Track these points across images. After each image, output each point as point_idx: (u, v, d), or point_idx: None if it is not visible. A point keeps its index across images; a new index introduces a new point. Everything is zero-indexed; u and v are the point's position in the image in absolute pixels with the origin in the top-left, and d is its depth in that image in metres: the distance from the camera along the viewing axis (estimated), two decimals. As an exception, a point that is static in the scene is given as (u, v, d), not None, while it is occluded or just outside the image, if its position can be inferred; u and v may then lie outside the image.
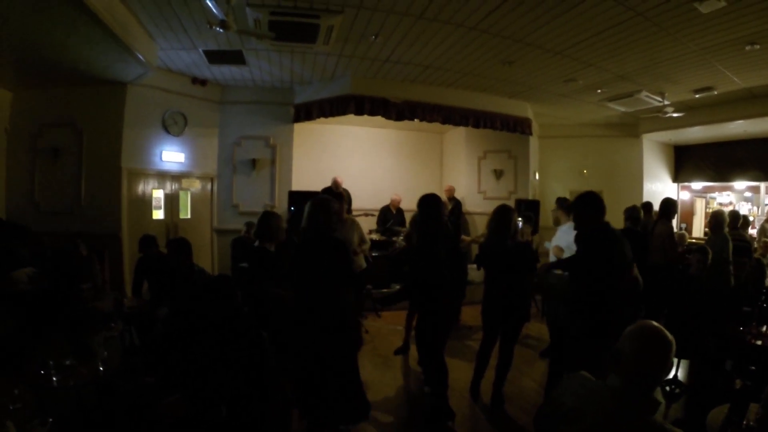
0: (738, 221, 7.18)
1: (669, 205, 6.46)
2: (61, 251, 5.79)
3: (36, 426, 2.16)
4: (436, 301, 4.10)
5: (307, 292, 3.47)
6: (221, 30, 4.93)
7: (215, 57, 7.24)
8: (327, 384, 3.37)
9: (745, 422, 2.31)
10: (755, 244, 8.09)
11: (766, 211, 10.00)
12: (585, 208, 3.82)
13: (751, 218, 10.36)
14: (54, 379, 2.97)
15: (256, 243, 4.33)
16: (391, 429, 4.16)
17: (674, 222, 11.38)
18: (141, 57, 6.18)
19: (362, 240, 6.33)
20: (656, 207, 7.20)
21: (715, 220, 6.33)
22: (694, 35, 5.79)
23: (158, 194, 8.33)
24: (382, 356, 5.82)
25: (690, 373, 4.83)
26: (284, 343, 3.57)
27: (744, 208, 10.91)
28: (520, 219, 8.06)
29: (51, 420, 2.20)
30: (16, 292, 4.53)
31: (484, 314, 4.57)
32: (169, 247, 4.94)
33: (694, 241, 7.53)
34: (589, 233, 3.79)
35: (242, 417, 2.27)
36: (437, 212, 4.18)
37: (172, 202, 8.58)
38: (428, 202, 4.23)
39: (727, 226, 6.31)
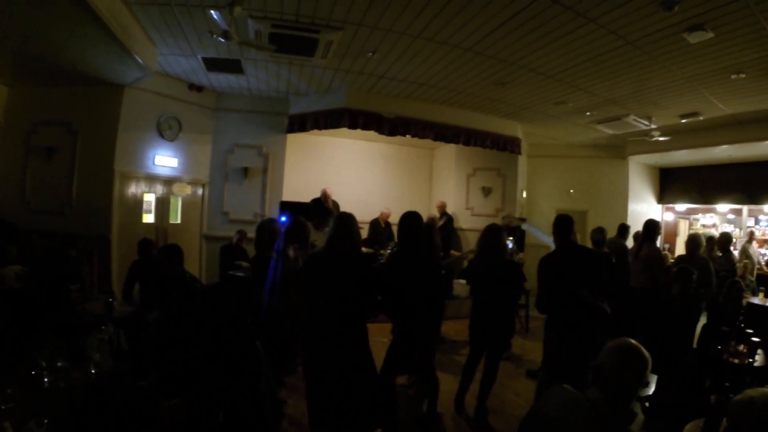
0: (730, 244, 7.27)
1: (654, 227, 6.42)
2: (50, 251, 5.78)
3: (32, 427, 2.18)
4: (409, 324, 4.01)
5: (326, 308, 3.37)
6: (223, 40, 5.02)
7: (214, 65, 7.32)
8: (350, 395, 3.30)
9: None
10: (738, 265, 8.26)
11: (747, 233, 10.22)
12: (555, 228, 4.31)
13: (734, 240, 10.60)
14: (45, 380, 2.94)
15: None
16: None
17: (658, 243, 11.61)
18: (141, 61, 6.21)
19: None
20: (638, 227, 7.31)
21: (692, 243, 6.37)
22: (682, 64, 5.98)
23: (149, 198, 8.35)
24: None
25: (667, 389, 4.95)
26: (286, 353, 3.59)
27: (726, 230, 11.14)
28: (510, 239, 8.19)
29: (47, 421, 2.23)
30: (4, 289, 4.54)
31: (471, 330, 4.67)
32: (161, 253, 4.96)
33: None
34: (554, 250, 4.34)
35: (238, 424, 2.32)
36: (415, 233, 4.11)
37: (162, 206, 8.59)
38: (407, 221, 4.15)
39: (704, 249, 6.41)
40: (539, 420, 1.96)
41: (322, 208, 8.65)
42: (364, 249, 8.91)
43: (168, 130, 8.38)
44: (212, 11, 4.72)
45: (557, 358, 4.20)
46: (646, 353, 1.85)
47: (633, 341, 1.89)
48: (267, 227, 4.72)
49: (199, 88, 8.60)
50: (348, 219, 3.57)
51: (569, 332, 4.06)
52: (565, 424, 1.84)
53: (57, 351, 3.30)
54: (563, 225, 4.29)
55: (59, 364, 3.16)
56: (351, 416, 3.32)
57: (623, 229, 7.60)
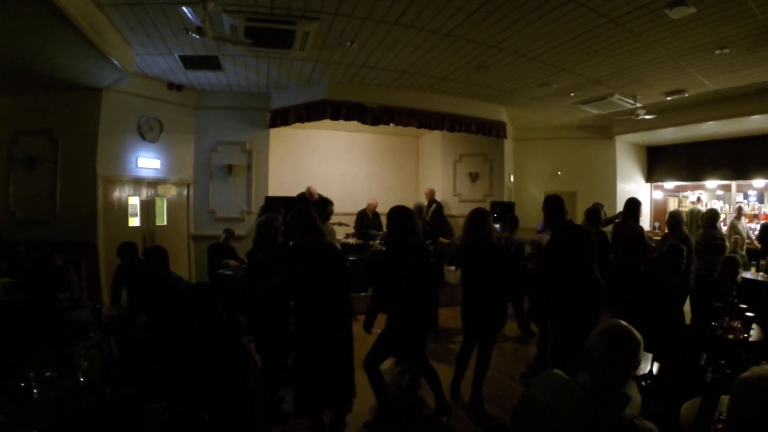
0: (715, 220, 7.28)
1: (635, 205, 6.36)
2: (37, 261, 5.71)
3: (22, 438, 2.14)
4: (403, 315, 4.06)
5: (308, 296, 3.73)
6: (198, 36, 4.94)
7: (191, 62, 7.22)
8: (327, 379, 3.76)
9: (717, 414, 2.39)
10: (727, 242, 8.24)
11: (736, 208, 10.26)
12: (546, 210, 4.28)
13: (722, 216, 10.63)
14: (35, 391, 2.93)
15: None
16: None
17: (647, 222, 11.64)
18: (117, 63, 6.12)
19: None
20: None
21: (673, 219, 6.32)
22: (665, 40, 5.94)
23: (134, 201, 8.26)
24: (360, 359, 5.84)
25: (664, 368, 4.96)
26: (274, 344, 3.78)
27: (716, 206, 11.16)
28: (498, 224, 8.16)
29: (35, 432, 2.19)
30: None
31: (463, 316, 4.64)
32: (146, 256, 4.90)
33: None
34: (552, 232, 4.26)
35: (224, 423, 2.29)
36: (406, 226, 4.09)
37: (148, 208, 8.51)
38: (396, 215, 4.13)
39: (685, 226, 6.41)
40: (531, 407, 1.93)
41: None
42: (352, 240, 8.89)
43: (149, 132, 8.28)
44: (184, 8, 4.62)
45: (570, 341, 3.96)
46: (638, 334, 1.81)
47: (623, 322, 1.84)
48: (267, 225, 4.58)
49: (178, 87, 8.49)
50: (304, 214, 3.89)
51: (582, 313, 3.97)
52: (557, 410, 1.81)
53: (45, 361, 3.26)
54: (554, 205, 4.25)
55: (48, 374, 3.12)
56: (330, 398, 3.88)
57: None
